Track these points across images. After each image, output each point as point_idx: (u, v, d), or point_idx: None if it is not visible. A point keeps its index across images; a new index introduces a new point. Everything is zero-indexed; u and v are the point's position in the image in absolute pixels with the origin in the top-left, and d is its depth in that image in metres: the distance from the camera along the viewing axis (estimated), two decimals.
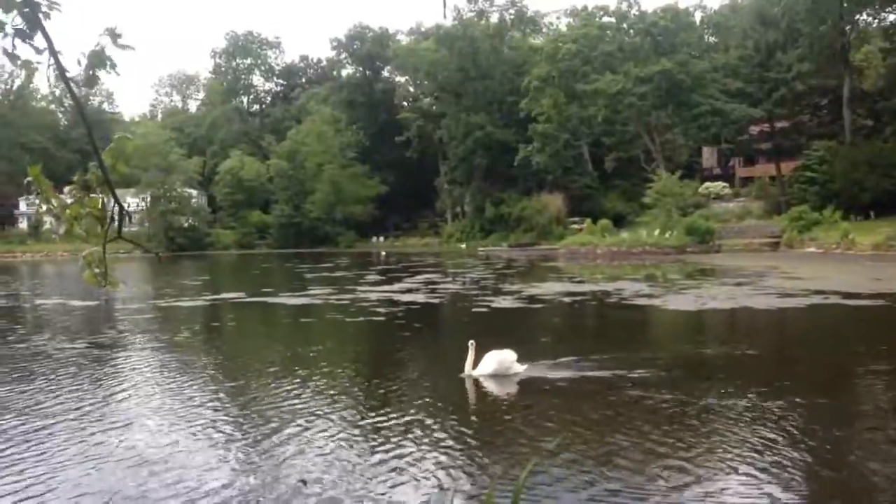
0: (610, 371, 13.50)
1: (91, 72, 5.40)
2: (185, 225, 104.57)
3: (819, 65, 69.01)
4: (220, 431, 10.11)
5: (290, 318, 24.92)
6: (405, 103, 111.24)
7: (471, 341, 13.34)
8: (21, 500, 7.59)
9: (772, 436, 9.31)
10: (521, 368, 13.42)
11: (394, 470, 8.31)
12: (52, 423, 10.69)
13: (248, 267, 62.11)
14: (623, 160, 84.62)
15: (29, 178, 5.99)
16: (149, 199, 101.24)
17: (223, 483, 7.99)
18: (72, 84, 5.44)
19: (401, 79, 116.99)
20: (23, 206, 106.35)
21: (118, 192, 6.11)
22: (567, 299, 27.80)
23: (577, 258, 57.70)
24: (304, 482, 7.42)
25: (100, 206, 6.10)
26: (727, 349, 16.72)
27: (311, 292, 33.00)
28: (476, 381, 12.96)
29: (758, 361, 15.25)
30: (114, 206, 6.60)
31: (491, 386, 12.75)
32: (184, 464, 8.73)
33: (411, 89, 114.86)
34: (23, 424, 10.66)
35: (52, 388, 13.33)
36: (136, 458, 8.96)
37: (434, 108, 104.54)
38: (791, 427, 9.74)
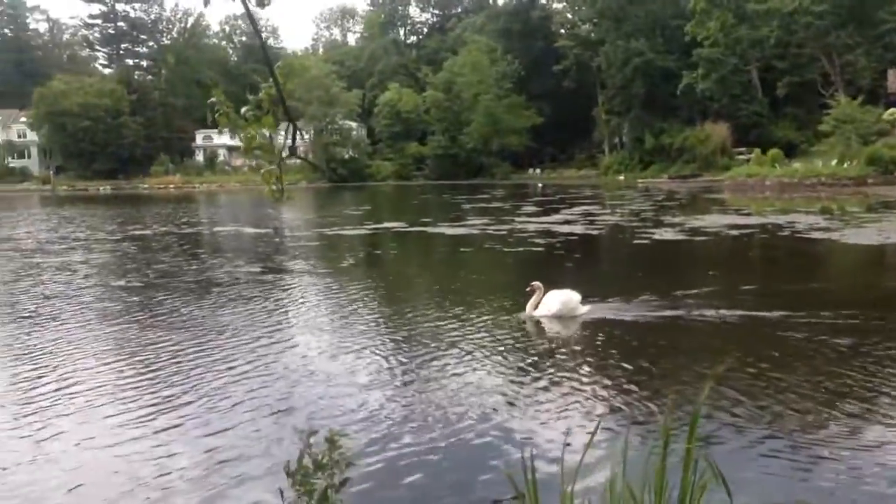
0: (787, 309, 12.68)
1: None
2: (346, 157, 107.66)
3: None
4: (378, 354, 10.32)
5: (449, 248, 25.16)
6: (562, 31, 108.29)
7: (535, 282, 12.74)
8: (201, 410, 8.04)
9: None
10: (584, 310, 12.74)
11: (547, 402, 8.17)
12: (227, 340, 11.28)
13: (407, 197, 63.34)
14: (796, 85, 78.66)
15: (212, 99, 6.09)
16: (312, 131, 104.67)
17: (379, 402, 8.14)
18: (249, 6, 5.41)
19: (558, 5, 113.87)
20: (199, 140, 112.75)
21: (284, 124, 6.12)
22: (734, 232, 26.47)
23: (744, 190, 54.77)
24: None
25: (272, 123, 6.16)
26: None
27: (469, 222, 33.18)
28: (539, 322, 12.37)
29: None
30: (288, 127, 6.64)
31: (561, 327, 12.17)
32: (344, 381, 8.98)
33: (569, 16, 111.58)
34: (199, 340, 11.33)
35: (228, 307, 14.10)
36: (301, 375, 9.31)
37: (592, 35, 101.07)
38: None
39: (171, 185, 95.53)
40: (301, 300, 15.04)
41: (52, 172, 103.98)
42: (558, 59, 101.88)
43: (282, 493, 2.60)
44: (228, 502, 5.88)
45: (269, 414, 7.88)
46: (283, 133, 6.40)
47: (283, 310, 13.93)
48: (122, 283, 17.65)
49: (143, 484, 6.25)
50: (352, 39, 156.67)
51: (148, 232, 32.51)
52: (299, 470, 2.52)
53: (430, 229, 30.97)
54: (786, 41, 75.85)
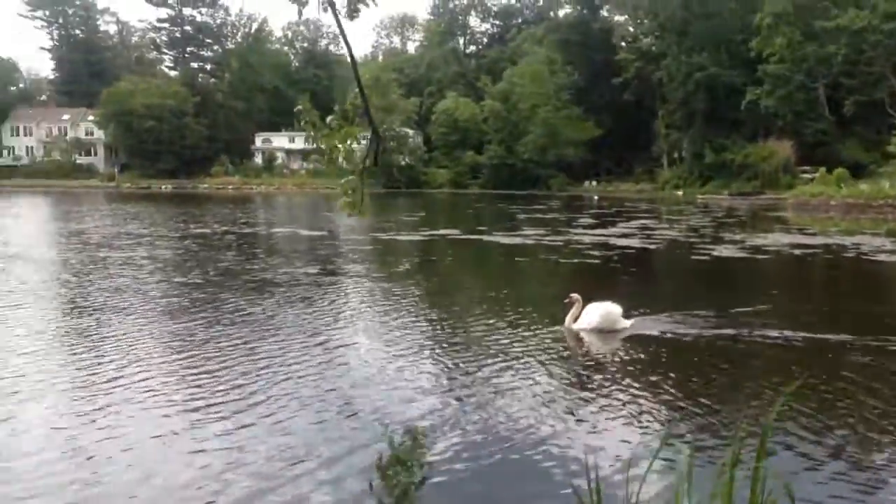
0: (851, 332, 12.40)
1: (354, 5, 5.51)
2: (403, 163, 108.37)
3: None
4: (433, 360, 10.39)
5: (503, 257, 25.17)
6: (623, 43, 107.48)
7: (574, 294, 12.53)
8: (270, 408, 8.21)
9: None
10: (626, 324, 12.46)
11: (603, 416, 8.14)
12: (290, 340, 11.49)
13: (462, 206, 63.51)
14: (864, 104, 76.60)
15: (298, 107, 6.25)
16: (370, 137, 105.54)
17: (437, 408, 8.20)
18: (340, 18, 5.54)
19: (619, 18, 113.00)
20: (258, 142, 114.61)
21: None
22: (797, 252, 25.95)
23: (808, 210, 53.56)
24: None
25: (356, 133, 6.27)
26: None
27: (524, 232, 33.14)
28: (578, 335, 12.15)
29: None
30: (371, 137, 6.74)
31: (602, 341, 12.01)
32: (404, 385, 9.08)
33: (630, 29, 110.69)
34: (264, 338, 11.56)
35: (288, 307, 14.35)
36: (361, 376, 9.44)
37: (654, 48, 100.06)
38: None
39: (230, 186, 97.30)
40: (358, 303, 15.22)
41: (116, 170, 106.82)
42: (618, 71, 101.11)
43: (371, 485, 2.69)
44: (299, 497, 6.00)
45: (335, 413, 8.01)
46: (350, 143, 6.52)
47: (341, 311, 14.11)
48: (185, 279, 18.08)
49: (214, 477, 6.41)
50: (411, 48, 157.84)
51: (208, 231, 33.19)
52: (388, 465, 2.60)
53: (485, 237, 31.02)
54: (854, 59, 74.09)
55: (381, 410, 8.11)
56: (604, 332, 12.18)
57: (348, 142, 5.61)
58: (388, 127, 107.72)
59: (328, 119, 5.64)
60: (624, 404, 8.45)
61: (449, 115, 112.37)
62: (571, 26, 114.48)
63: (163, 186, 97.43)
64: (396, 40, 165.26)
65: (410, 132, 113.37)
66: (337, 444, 7.05)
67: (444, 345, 11.34)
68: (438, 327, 12.72)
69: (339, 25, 4.68)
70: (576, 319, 12.44)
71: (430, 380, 9.37)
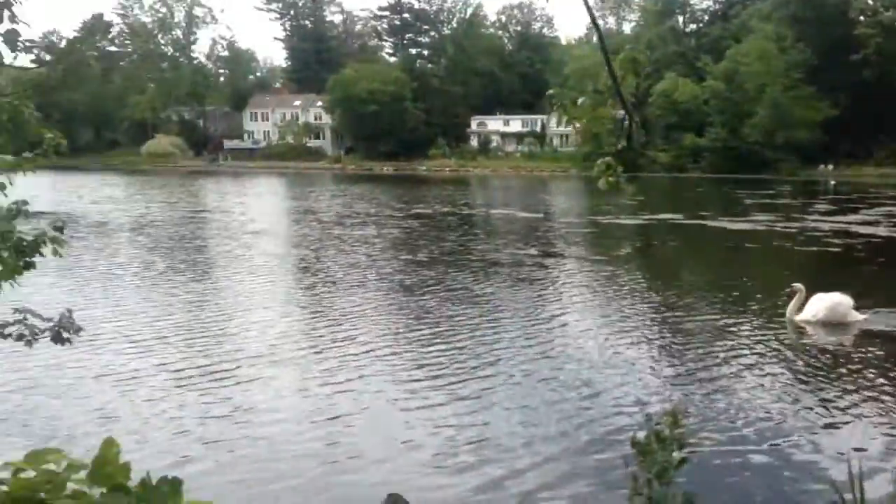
0: None
1: None
2: (619, 147, 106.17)
3: None
4: (658, 343, 10.12)
5: (730, 243, 23.96)
6: (862, 17, 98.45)
7: (796, 283, 11.56)
8: (505, 385, 8.36)
9: None
10: (858, 317, 11.31)
11: (852, 413, 7.52)
12: (518, 319, 11.65)
13: (682, 190, 61.23)
14: None
15: (550, 91, 6.23)
16: (585, 121, 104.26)
17: (667, 391, 7.94)
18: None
19: None
20: (474, 125, 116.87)
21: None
22: None
23: None
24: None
25: (609, 115, 6.14)
26: None
27: (753, 218, 31.35)
28: (801, 328, 11.15)
29: None
30: (624, 119, 6.60)
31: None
32: (627, 367, 8.93)
33: (870, 1, 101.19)
34: (494, 317, 11.81)
35: (513, 287, 14.55)
36: (584, 356, 9.43)
37: None
38: None
39: (447, 168, 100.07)
40: (580, 285, 15.13)
41: (342, 152, 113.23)
42: (856, 47, 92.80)
43: (626, 464, 2.65)
44: (546, 475, 6.06)
45: (574, 394, 8.02)
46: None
47: (564, 293, 14.10)
48: (413, 257, 18.83)
49: (458, 451, 6.61)
50: (627, 28, 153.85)
51: (430, 211, 34.30)
52: (645, 443, 2.55)
53: (709, 223, 29.69)
54: None
55: (618, 393, 8.01)
56: (831, 324, 11.34)
57: (601, 123, 5.44)
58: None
59: (579, 101, 5.55)
60: (865, 400, 7.79)
61: (667, 97, 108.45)
62: (803, 1, 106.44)
63: (384, 168, 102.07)
64: (612, 21, 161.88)
65: (620, 113, 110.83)
66: (579, 425, 7.04)
67: (669, 330, 11.04)
68: (662, 312, 12.38)
69: (589, 9, 4.55)
70: (799, 310, 11.68)
71: (661, 365, 9.17)
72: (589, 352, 9.74)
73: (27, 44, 2.99)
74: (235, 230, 25.36)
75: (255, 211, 34.72)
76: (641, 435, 2.95)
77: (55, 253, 3.29)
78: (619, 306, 12.89)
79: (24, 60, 3.19)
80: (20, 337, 3.32)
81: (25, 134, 3.34)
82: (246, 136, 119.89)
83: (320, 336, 10.59)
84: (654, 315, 12.23)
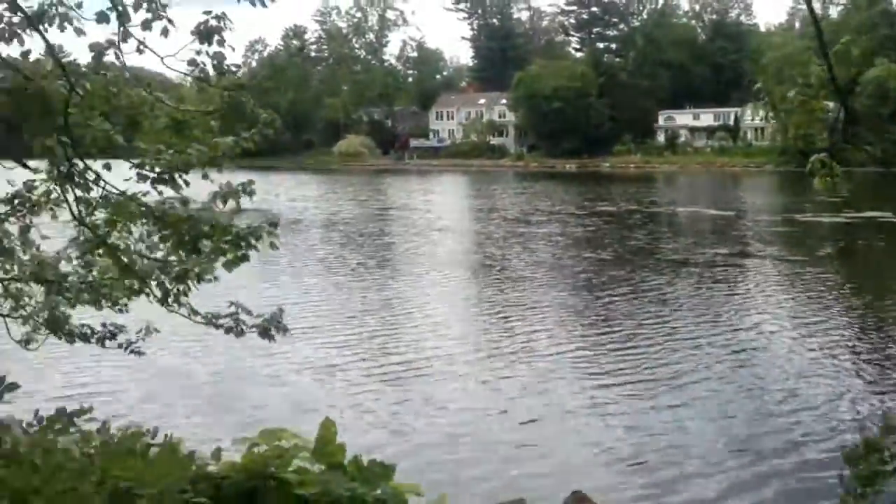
0: None
1: None
2: (821, 138, 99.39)
3: None
4: (859, 352, 9.45)
5: None
6: None
7: None
8: (694, 382, 8.12)
9: None
10: None
11: None
12: (707, 320, 11.25)
13: (891, 186, 56.36)
14: None
15: (758, 85, 5.95)
16: (783, 113, 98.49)
17: (874, 401, 7.39)
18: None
19: None
20: (661, 120, 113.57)
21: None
22: None
23: None
24: None
25: (822, 108, 5.81)
26: None
27: None
28: None
29: None
30: (839, 112, 6.23)
31: None
32: (832, 376, 8.42)
33: None
34: (689, 319, 11.48)
35: (702, 288, 14.06)
36: (787, 362, 8.99)
37: None
38: None
39: (632, 165, 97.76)
40: (776, 288, 14.41)
41: (524, 150, 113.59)
42: None
43: (841, 479, 2.52)
44: (749, 486, 5.86)
45: (776, 402, 7.68)
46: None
47: (759, 295, 13.48)
48: (598, 255, 18.64)
49: (654, 453, 6.50)
50: (833, 12, 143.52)
51: (614, 209, 33.72)
52: (860, 453, 2.43)
53: None
54: None
55: (825, 405, 7.58)
56: None
57: (810, 118, 5.19)
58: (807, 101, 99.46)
59: (789, 94, 5.28)
60: None
61: (879, 85, 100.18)
62: None
63: (566, 166, 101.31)
64: (817, 6, 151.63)
65: (830, 105, 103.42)
66: (782, 433, 6.75)
67: (880, 338, 10.26)
68: (867, 317, 11.57)
69: (811, 8, 4.32)
70: None
71: (870, 374, 8.56)
72: (791, 359, 9.27)
73: (232, 67, 3.27)
74: (422, 227, 26.15)
75: (440, 208, 35.59)
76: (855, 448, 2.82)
77: (272, 246, 3.55)
78: (821, 310, 12.16)
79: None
80: (229, 329, 3.64)
81: (243, 115, 3.60)
82: (431, 134, 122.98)
83: (508, 334, 10.77)
84: (859, 321, 11.45)
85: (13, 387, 3.19)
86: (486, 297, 13.77)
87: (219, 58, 3.15)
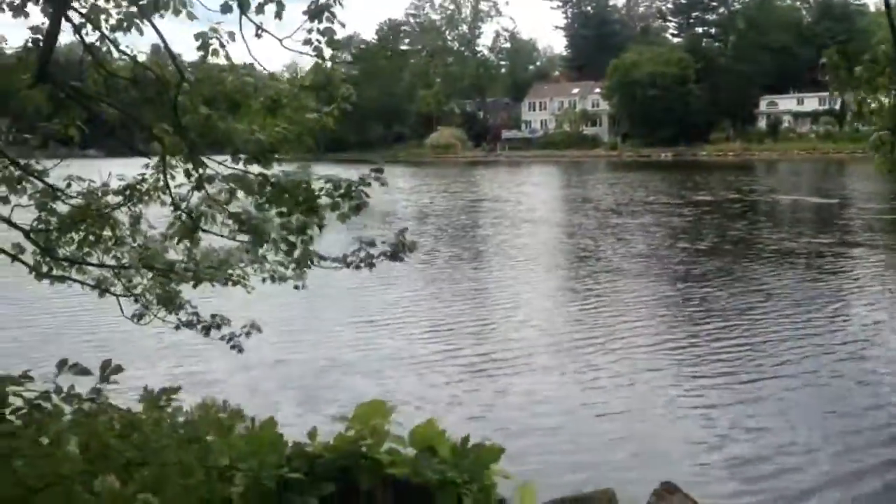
0: None
1: None
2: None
3: None
4: None
5: None
6: None
7: None
8: (768, 369, 7.92)
9: None
10: None
11: None
12: (811, 314, 10.90)
13: None
14: None
15: (823, 60, 5.76)
16: (894, 95, 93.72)
17: None
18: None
19: None
20: (763, 106, 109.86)
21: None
22: None
23: None
24: None
25: (886, 84, 5.56)
26: None
27: None
28: None
29: None
30: None
31: None
32: None
33: None
34: (785, 311, 11.15)
35: (806, 280, 13.63)
36: (881, 356, 8.64)
37: None
38: None
39: (730, 153, 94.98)
40: (886, 279, 13.81)
41: (619, 139, 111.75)
42: None
43: None
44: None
45: (888, 400, 7.42)
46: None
47: (866, 287, 12.99)
48: (693, 246, 18.26)
49: (723, 452, 6.40)
50: None
51: (710, 198, 32.88)
52: None
53: None
54: None
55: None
56: None
57: (880, 95, 5.00)
58: None
59: (856, 70, 5.08)
60: None
61: None
62: None
63: (662, 154, 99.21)
64: None
65: None
66: (887, 428, 6.51)
67: None
68: None
69: (888, 8, 4.18)
70: None
71: None
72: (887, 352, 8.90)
73: (340, 42, 3.38)
74: (514, 219, 26.13)
75: (532, 200, 35.45)
76: None
77: (383, 183, 3.65)
78: None
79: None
80: (358, 265, 3.79)
81: (331, 96, 3.73)
82: (523, 125, 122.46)
83: (601, 326, 10.72)
84: None
85: (118, 369, 3.42)
86: (578, 289, 13.72)
87: (329, 33, 3.24)
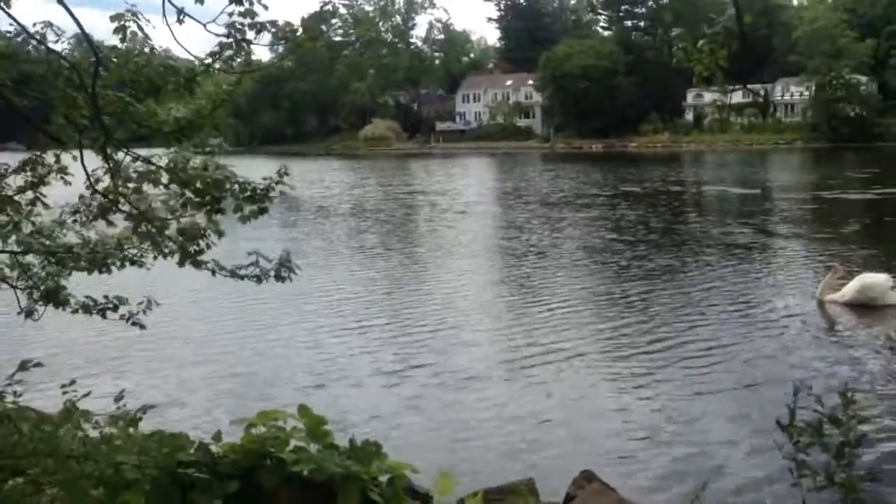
0: None
1: None
2: (851, 114, 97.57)
3: None
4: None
5: None
6: None
7: (836, 262, 11.52)
8: (684, 359, 8.25)
9: None
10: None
11: None
12: (712, 300, 11.32)
13: None
14: None
15: (678, 46, 5.97)
16: (814, 87, 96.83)
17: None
18: None
19: None
20: (689, 98, 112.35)
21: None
22: None
23: None
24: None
25: (726, 56, 5.78)
26: None
27: None
28: (826, 307, 10.67)
29: None
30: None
31: None
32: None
33: None
34: (692, 301, 11.54)
35: (718, 270, 14.09)
36: (783, 345, 9.08)
37: None
38: None
39: (658, 145, 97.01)
40: (793, 267, 14.38)
41: (551, 131, 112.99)
42: None
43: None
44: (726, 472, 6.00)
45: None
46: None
47: (777, 276, 13.47)
48: (619, 236, 18.71)
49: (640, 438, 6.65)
50: None
51: (638, 189, 33.60)
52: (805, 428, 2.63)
53: None
54: None
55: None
56: (867, 306, 10.69)
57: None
58: (837, 75, 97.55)
59: (699, 43, 5.39)
60: None
61: None
62: None
63: (593, 146, 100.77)
64: None
65: (863, 79, 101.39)
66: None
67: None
68: None
69: None
70: (832, 291, 11.08)
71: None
72: (805, 339, 9.33)
73: (264, 25, 3.35)
74: (446, 211, 26.29)
75: (465, 191, 35.67)
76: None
77: (291, 188, 3.78)
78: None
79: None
80: (253, 277, 3.88)
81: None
82: (458, 117, 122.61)
83: (525, 313, 10.93)
84: None
85: (38, 365, 3.42)
86: (505, 278, 13.97)
87: (251, 14, 3.24)
